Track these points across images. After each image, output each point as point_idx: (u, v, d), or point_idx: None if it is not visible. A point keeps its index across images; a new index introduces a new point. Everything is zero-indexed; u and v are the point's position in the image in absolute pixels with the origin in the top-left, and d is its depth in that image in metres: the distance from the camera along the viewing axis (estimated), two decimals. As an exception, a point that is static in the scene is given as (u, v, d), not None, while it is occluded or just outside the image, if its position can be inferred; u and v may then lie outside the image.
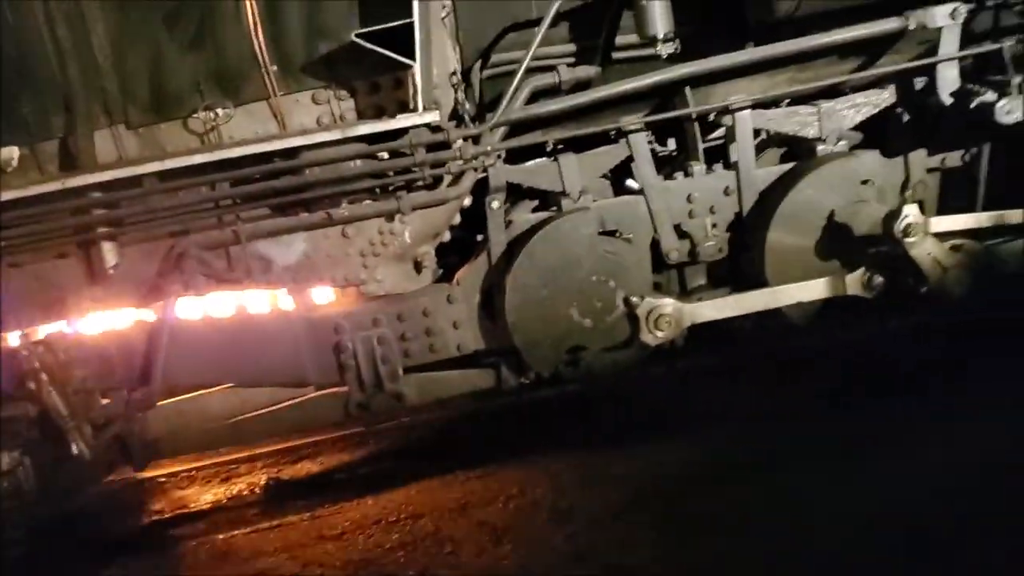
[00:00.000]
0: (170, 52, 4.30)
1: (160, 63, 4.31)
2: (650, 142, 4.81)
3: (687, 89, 4.59)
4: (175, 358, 4.44)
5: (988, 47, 4.53)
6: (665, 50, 4.32)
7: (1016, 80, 4.42)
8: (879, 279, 4.61)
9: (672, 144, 4.96)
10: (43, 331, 4.42)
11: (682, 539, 3.33)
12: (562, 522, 3.69)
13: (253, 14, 4.28)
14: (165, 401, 4.69)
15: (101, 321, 4.45)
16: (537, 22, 4.43)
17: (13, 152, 4.37)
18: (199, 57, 4.32)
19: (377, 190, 4.49)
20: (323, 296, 4.84)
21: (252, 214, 4.40)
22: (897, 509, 3.28)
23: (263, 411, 4.88)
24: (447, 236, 4.78)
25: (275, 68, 4.34)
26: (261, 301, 4.69)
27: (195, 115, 4.35)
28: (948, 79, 4.61)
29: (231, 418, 4.84)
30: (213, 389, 4.85)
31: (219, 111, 4.35)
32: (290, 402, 4.89)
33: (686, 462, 4.06)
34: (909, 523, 3.16)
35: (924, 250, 4.50)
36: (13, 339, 4.39)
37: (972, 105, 4.50)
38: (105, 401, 4.48)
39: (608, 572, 3.21)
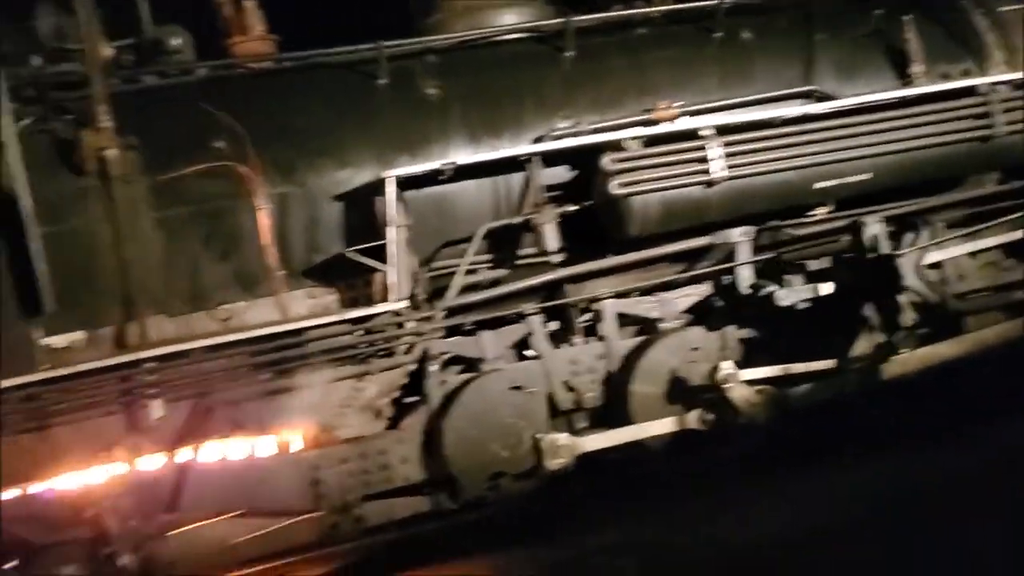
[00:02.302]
0: (207, 262, 5.95)
1: (198, 269, 5.96)
2: (543, 322, 6.69)
3: (569, 284, 6.54)
4: (197, 491, 5.81)
5: (768, 256, 6.71)
6: (555, 259, 6.28)
7: (788, 277, 6.60)
8: (710, 415, 6.51)
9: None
10: (97, 472, 5.73)
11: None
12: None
13: (267, 235, 6.03)
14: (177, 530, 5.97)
15: (141, 463, 5.80)
16: (464, 239, 6.35)
17: (76, 336, 5.85)
18: (227, 265, 5.99)
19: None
20: (306, 440, 6.33)
21: (262, 378, 5.93)
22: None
23: (253, 535, 6.21)
24: (398, 392, 6.42)
25: (281, 273, 6.06)
26: (264, 445, 6.15)
27: (221, 307, 5.97)
28: (745, 277, 6.73)
29: (227, 543, 6.16)
30: (214, 520, 6.17)
31: (239, 304, 5.99)
32: (275, 527, 6.25)
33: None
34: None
35: (739, 394, 6.46)
36: (75, 479, 5.69)
37: (761, 294, 6.62)
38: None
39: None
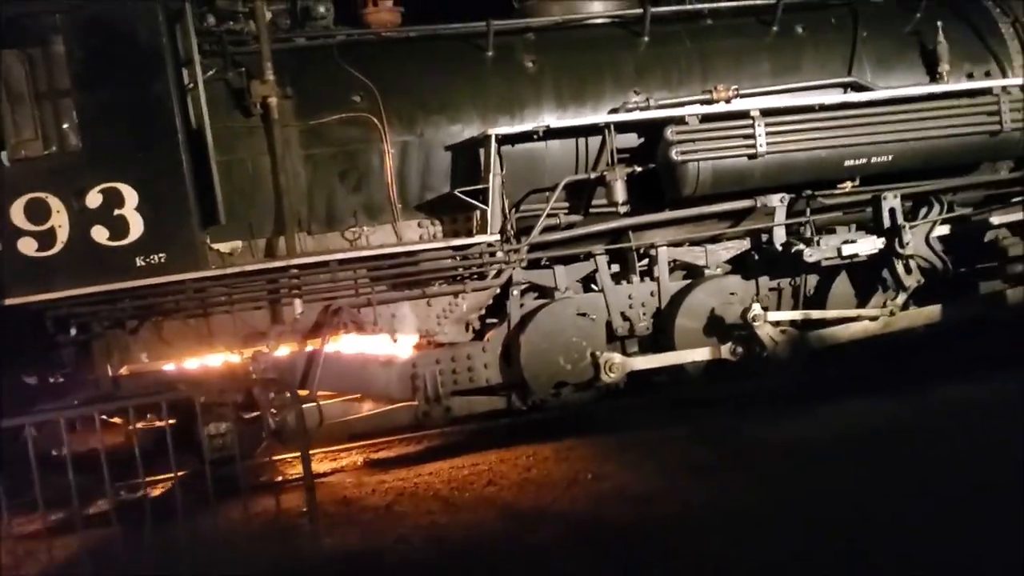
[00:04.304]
0: (341, 193, 7.41)
1: (334, 198, 7.42)
2: (608, 262, 8.03)
3: (631, 232, 7.87)
4: (323, 375, 7.31)
5: (800, 219, 7.96)
6: (622, 210, 7.60)
7: (816, 238, 7.84)
8: (740, 348, 7.84)
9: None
10: (248, 351, 7.25)
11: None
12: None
13: (390, 174, 7.46)
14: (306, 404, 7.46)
15: (282, 348, 7.32)
16: (547, 188, 7.69)
17: (236, 244, 7.36)
18: (357, 196, 7.45)
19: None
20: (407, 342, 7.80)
21: (378, 288, 7.38)
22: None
23: (362, 415, 7.73)
24: (484, 310, 7.84)
25: (399, 206, 7.50)
26: (375, 343, 7.62)
27: (351, 229, 7.44)
28: (779, 236, 7.99)
29: (342, 419, 7.68)
30: (331, 401, 7.69)
31: (365, 228, 7.45)
32: (379, 410, 7.76)
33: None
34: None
35: (765, 332, 7.77)
36: (228, 357, 7.23)
37: (792, 251, 7.88)
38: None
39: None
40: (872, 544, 4.48)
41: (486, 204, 7.30)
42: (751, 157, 7.57)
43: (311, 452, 7.96)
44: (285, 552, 5.17)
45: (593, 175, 7.67)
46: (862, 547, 4.44)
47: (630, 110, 7.77)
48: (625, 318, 7.98)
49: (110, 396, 7.01)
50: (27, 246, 6.60)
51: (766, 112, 7.64)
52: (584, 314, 7.83)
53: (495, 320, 7.92)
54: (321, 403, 7.54)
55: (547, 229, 7.67)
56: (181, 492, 6.00)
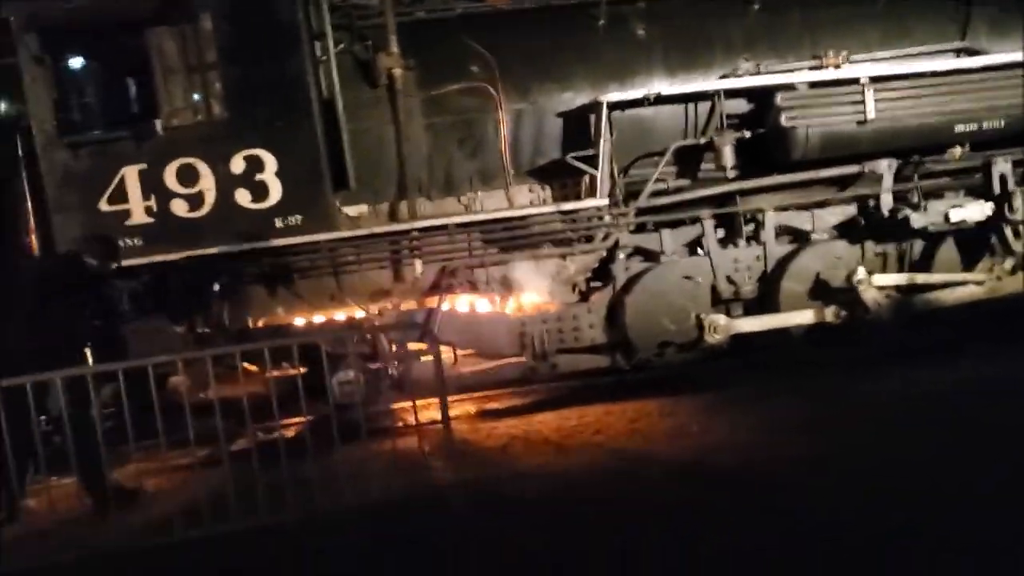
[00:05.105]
0: (458, 159, 7.85)
1: (452, 165, 7.86)
2: (714, 227, 8.26)
3: (738, 197, 8.08)
4: (443, 329, 7.78)
5: (907, 185, 8.02)
6: (731, 174, 7.82)
7: (923, 203, 7.91)
8: (844, 312, 7.98)
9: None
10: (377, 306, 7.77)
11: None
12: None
13: (504, 141, 7.85)
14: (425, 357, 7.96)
15: (404, 305, 7.81)
16: (655, 153, 7.97)
17: (363, 208, 7.88)
18: (473, 163, 7.87)
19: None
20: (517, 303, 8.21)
21: (491, 250, 7.80)
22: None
23: (476, 369, 8.20)
24: (590, 272, 8.18)
25: (512, 171, 7.89)
26: (487, 303, 8.05)
27: (466, 194, 7.88)
28: (886, 201, 8.08)
29: (457, 371, 8.15)
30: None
31: (479, 192, 7.87)
32: (491, 364, 8.21)
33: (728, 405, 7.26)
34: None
35: (870, 295, 7.89)
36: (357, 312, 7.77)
37: (899, 216, 7.97)
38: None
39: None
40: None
41: (595, 169, 7.62)
42: (860, 123, 7.69)
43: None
44: (419, 481, 5.71)
45: (702, 140, 7.90)
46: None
47: (740, 76, 7.95)
48: (731, 281, 8.18)
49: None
50: (179, 207, 7.25)
51: (875, 79, 7.72)
52: (690, 277, 8.08)
53: (600, 283, 8.25)
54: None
55: (655, 194, 7.95)
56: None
